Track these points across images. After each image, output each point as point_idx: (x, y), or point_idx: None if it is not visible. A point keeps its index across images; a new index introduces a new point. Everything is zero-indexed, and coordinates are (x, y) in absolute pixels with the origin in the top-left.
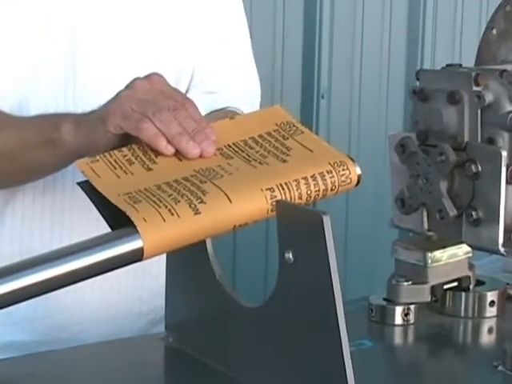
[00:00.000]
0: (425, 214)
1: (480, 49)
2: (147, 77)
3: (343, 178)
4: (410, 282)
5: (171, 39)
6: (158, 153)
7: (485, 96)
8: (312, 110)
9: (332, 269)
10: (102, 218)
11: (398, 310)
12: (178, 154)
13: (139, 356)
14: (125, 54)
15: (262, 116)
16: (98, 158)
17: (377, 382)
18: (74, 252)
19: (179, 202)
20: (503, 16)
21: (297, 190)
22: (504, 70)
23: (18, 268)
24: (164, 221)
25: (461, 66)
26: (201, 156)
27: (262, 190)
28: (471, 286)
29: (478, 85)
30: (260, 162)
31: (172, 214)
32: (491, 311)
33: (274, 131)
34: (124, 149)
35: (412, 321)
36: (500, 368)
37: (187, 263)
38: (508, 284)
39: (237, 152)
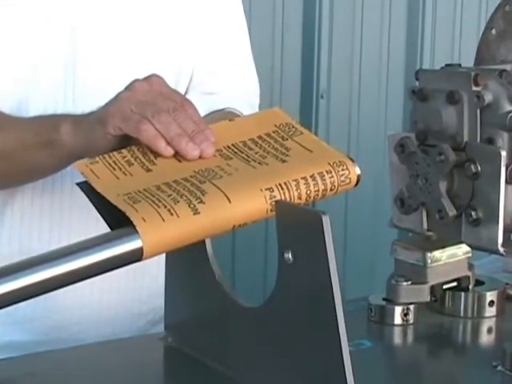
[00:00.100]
0: (424, 213)
1: (479, 49)
2: (146, 78)
3: (343, 178)
4: (410, 282)
5: (171, 39)
6: (157, 154)
7: (484, 96)
8: (311, 109)
9: (331, 269)
10: (101, 219)
11: (398, 309)
12: (178, 156)
13: (138, 356)
14: (124, 54)
15: (260, 118)
16: (97, 159)
17: (376, 382)
18: (74, 252)
19: (178, 202)
20: (502, 16)
21: (296, 190)
22: (503, 70)
23: (17, 268)
24: (163, 221)
25: (460, 65)
26: (200, 157)
27: (261, 190)
28: (470, 286)
29: (477, 85)
30: (259, 163)
31: (171, 214)
32: (490, 311)
33: (274, 132)
34: (123, 150)
35: (411, 321)
36: (499, 368)
37: (186, 263)
38: (507, 284)
39: (236, 153)
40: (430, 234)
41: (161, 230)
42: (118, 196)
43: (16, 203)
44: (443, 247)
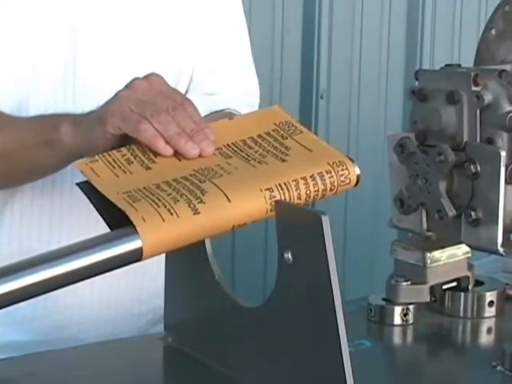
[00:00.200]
0: (424, 214)
1: (479, 49)
2: (146, 77)
3: (342, 178)
4: (409, 282)
5: (171, 39)
6: (157, 153)
7: (484, 96)
8: (311, 110)
9: (331, 269)
10: (101, 219)
11: (397, 310)
12: (178, 155)
13: (138, 356)
14: (125, 54)
15: (260, 116)
16: (96, 158)
17: (376, 382)
18: (74, 252)
19: (178, 201)
20: (502, 16)
21: (296, 190)
22: (503, 70)
23: (16, 268)
24: (163, 221)
25: (460, 66)
26: (200, 156)
27: (261, 190)
28: (470, 286)
29: (477, 85)
30: (259, 162)
31: (171, 214)
32: (490, 311)
33: (273, 131)
34: (123, 149)
35: (411, 321)
36: (499, 368)
37: (186, 263)
38: (507, 284)
39: (236, 152)
40: (429, 234)
41: (161, 230)
42: (118, 194)
43: (16, 203)
44: (443, 247)
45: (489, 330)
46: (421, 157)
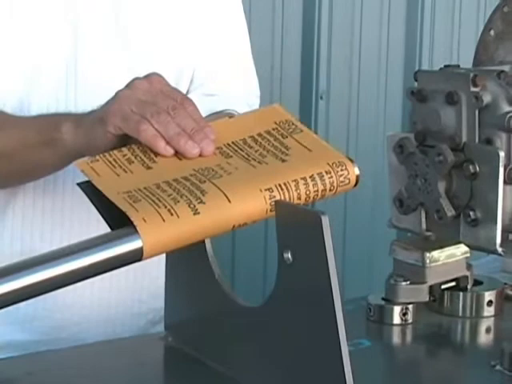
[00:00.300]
0: (423, 214)
1: (478, 50)
2: (147, 77)
3: (342, 179)
4: (408, 282)
5: (172, 39)
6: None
7: (483, 97)
8: (310, 110)
9: (331, 269)
10: (102, 219)
11: (397, 309)
12: (178, 154)
13: (139, 355)
14: (126, 53)
15: (261, 115)
16: (97, 157)
17: (375, 381)
18: (74, 252)
19: (178, 201)
20: (501, 17)
21: (296, 190)
22: (502, 71)
23: (17, 268)
24: (163, 221)
25: (459, 66)
26: (200, 155)
27: (260, 191)
28: (469, 286)
29: (475, 86)
30: (259, 162)
31: (171, 214)
32: (489, 311)
33: (273, 130)
34: (123, 148)
35: (410, 320)
36: (498, 367)
37: (186, 263)
38: (506, 284)
39: (236, 151)
40: (428, 234)
41: (161, 230)
42: (119, 194)
43: (18, 203)
44: (442, 247)
45: (487, 330)
46: (420, 157)
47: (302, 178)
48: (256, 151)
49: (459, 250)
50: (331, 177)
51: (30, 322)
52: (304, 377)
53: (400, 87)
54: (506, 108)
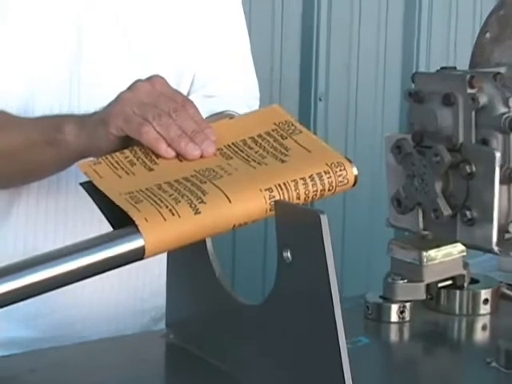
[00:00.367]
0: (420, 213)
1: (474, 52)
2: (149, 79)
3: (340, 179)
4: (406, 281)
5: (173, 41)
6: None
7: (479, 98)
8: (309, 112)
9: (329, 267)
10: (104, 218)
11: (394, 307)
12: (179, 156)
13: (140, 353)
14: (129, 55)
15: (260, 115)
16: (100, 160)
17: (373, 378)
18: (77, 251)
19: (180, 201)
20: (497, 20)
21: (295, 190)
22: (498, 73)
23: (19, 267)
24: (165, 220)
25: (455, 68)
26: (201, 156)
27: (260, 191)
28: (465, 284)
29: (472, 87)
30: (259, 163)
31: (173, 214)
32: (485, 309)
33: (273, 131)
34: (125, 151)
35: (407, 318)
36: (493, 364)
37: (187, 262)
38: (501, 282)
39: (236, 152)
40: (425, 233)
41: (162, 230)
42: (121, 195)
43: (21, 203)
44: (439, 246)
45: (483, 327)
46: (417, 157)
47: (301, 178)
48: (256, 152)
49: (456, 249)
50: (330, 177)
51: (33, 319)
52: (303, 373)
53: (398, 89)
54: (502, 109)
